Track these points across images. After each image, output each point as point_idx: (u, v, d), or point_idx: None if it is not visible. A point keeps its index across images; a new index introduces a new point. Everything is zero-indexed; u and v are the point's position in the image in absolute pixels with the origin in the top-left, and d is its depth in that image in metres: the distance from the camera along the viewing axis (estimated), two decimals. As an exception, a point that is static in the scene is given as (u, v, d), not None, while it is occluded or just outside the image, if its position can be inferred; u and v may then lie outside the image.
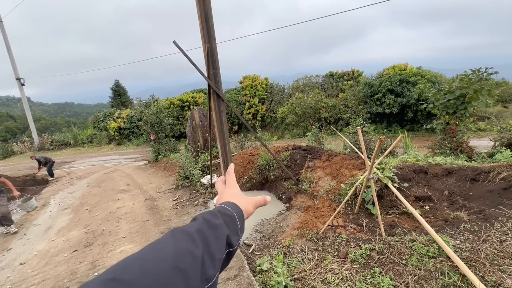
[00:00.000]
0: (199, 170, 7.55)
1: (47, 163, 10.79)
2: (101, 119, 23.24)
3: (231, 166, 0.82)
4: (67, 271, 3.96)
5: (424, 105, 7.19)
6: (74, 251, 4.58)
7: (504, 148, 5.72)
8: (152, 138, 12.09)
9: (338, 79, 19.29)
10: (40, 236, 5.38)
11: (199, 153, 9.11)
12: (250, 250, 3.79)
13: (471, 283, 2.22)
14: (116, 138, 21.39)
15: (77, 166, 14.17)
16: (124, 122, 21.36)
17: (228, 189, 0.73)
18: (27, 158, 18.11)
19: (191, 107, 19.83)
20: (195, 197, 6.59)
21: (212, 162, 6.74)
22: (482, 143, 8.62)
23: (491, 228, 2.93)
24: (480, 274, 2.35)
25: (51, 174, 10.98)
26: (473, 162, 4.96)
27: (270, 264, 3.21)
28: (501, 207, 3.27)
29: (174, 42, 3.96)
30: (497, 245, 2.65)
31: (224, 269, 0.53)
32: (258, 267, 3.19)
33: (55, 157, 15.42)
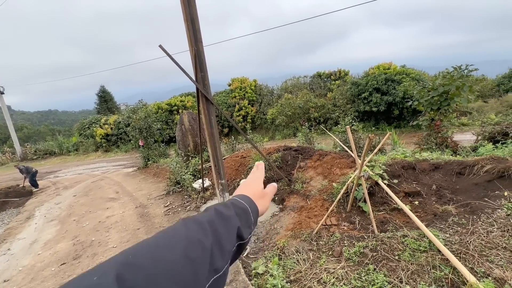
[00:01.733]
0: (190, 174, 7.46)
1: (28, 173, 10.36)
2: (87, 126, 22.62)
3: (262, 163, 0.77)
4: (55, 286, 3.81)
5: (410, 103, 7.37)
6: (62, 264, 4.41)
7: (486, 141, 5.94)
8: (141, 143, 11.85)
9: (325, 79, 19.58)
10: (25, 251, 5.16)
11: (190, 158, 9.00)
12: (245, 254, 3.76)
13: (462, 275, 2.27)
14: (104, 145, 20.88)
15: (63, 175, 13.72)
16: (111, 128, 20.89)
17: (248, 183, 0.70)
18: (9, 169, 17.41)
19: (180, 111, 19.62)
20: (187, 202, 6.50)
21: (203, 166, 6.67)
22: (465, 137, 8.92)
23: (478, 220, 3.02)
24: (470, 266, 2.42)
25: (35, 185, 10.56)
26: (458, 156, 5.11)
27: (265, 267, 3.19)
28: (486, 199, 3.38)
29: (160, 46, 3.89)
30: (484, 236, 2.74)
31: (235, 261, 0.53)
32: (253, 271, 3.17)
33: (40, 167, 14.88)
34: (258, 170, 0.75)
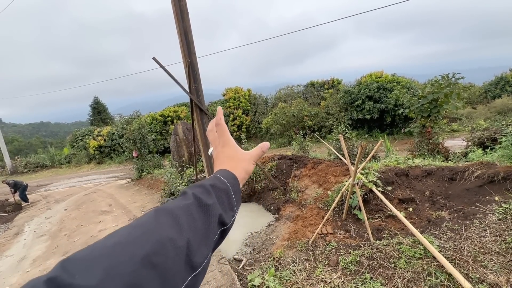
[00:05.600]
0: (185, 185, 7.38)
1: (17, 187, 10.06)
2: (79, 138, 22.35)
3: (220, 112, 0.67)
4: (43, 305, 3.66)
5: (401, 110, 7.54)
6: (51, 281, 4.26)
7: (476, 147, 6.07)
8: (134, 154, 11.74)
9: (319, 88, 19.88)
10: (13, 268, 4.97)
11: (184, 168, 8.94)
12: (241, 266, 3.70)
13: (457, 281, 2.27)
14: (97, 156, 20.59)
15: (54, 188, 13.41)
16: (104, 139, 20.66)
17: (222, 148, 0.65)
18: (-2, 183, 16.95)
19: (174, 121, 19.59)
20: (181, 213, 6.40)
21: (198, 176, 6.62)
22: (456, 143, 9.10)
23: (471, 225, 3.05)
24: (465, 272, 2.42)
25: (24, 199, 10.29)
26: (449, 162, 5.20)
27: (261, 278, 3.14)
28: (478, 204, 3.42)
29: (154, 59, 3.93)
30: (477, 241, 2.76)
31: (217, 248, 0.48)
32: (249, 283, 3.11)
33: (30, 180, 14.57)
34: (220, 126, 0.66)
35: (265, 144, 0.68)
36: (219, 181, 0.53)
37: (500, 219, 2.98)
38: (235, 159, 0.63)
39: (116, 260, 0.32)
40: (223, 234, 0.49)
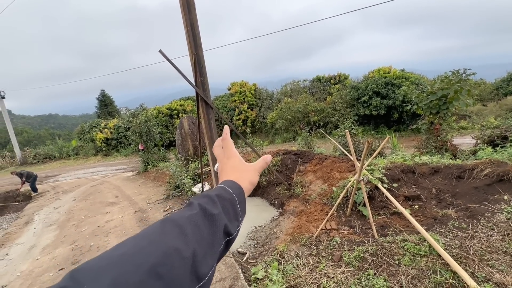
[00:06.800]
0: (190, 178, 7.45)
1: (29, 178, 10.37)
2: (87, 130, 22.68)
3: (226, 130, 0.71)
4: (53, 292, 3.77)
5: (409, 106, 7.40)
6: (60, 269, 4.38)
7: (485, 145, 5.94)
8: (140, 147, 11.87)
9: (325, 83, 19.64)
10: (23, 256, 5.13)
11: (190, 162, 9.01)
12: (245, 259, 3.74)
13: (462, 280, 2.26)
14: (104, 149, 20.89)
15: (62, 179, 13.69)
16: (111, 132, 20.91)
17: (228, 160, 0.67)
18: (8, 174, 17.38)
19: (180, 115, 19.67)
20: (186, 206, 6.47)
21: (203, 170, 6.67)
22: (465, 141, 8.93)
23: (478, 224, 3.01)
24: (470, 270, 2.40)
25: (34, 189, 10.54)
26: (457, 160, 5.11)
27: (265, 272, 3.17)
28: (486, 203, 3.37)
29: (160, 52, 3.93)
30: (484, 240, 2.72)
31: (222, 258, 0.49)
32: (253, 276, 3.15)
33: (39, 171, 14.90)
34: (225, 140, 0.69)
35: (268, 157, 0.73)
36: (224, 191, 0.54)
37: (508, 219, 2.94)
38: (240, 170, 0.65)
39: (123, 270, 0.32)
40: (228, 245, 0.50)
